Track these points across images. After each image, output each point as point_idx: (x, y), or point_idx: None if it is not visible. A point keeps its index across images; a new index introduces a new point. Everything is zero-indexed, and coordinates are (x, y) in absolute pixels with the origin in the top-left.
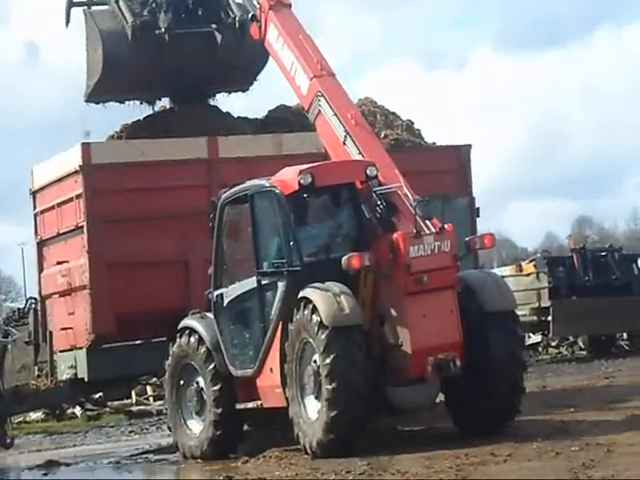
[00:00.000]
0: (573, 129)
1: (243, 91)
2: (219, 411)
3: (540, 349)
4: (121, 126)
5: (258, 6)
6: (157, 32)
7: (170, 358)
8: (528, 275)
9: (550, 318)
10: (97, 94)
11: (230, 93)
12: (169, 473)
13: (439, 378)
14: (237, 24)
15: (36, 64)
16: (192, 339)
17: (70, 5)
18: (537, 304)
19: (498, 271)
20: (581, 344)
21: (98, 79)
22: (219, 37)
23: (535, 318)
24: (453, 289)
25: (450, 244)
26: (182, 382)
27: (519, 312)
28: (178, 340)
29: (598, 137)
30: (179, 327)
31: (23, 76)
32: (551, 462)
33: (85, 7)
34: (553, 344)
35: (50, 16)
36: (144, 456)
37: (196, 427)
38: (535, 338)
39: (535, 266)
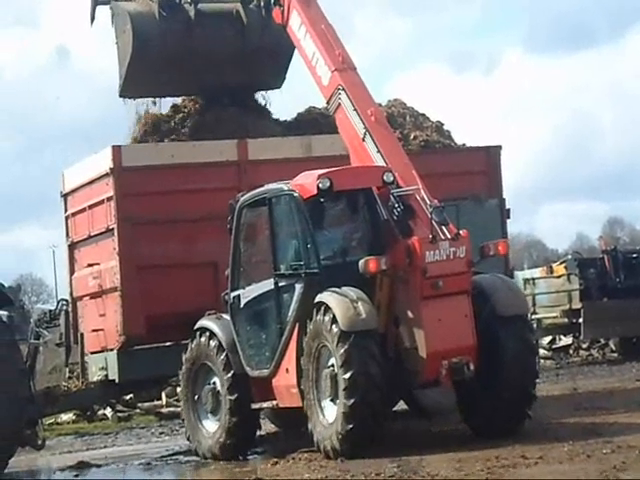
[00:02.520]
0: (604, 130)
1: (278, 87)
2: (234, 418)
3: (571, 351)
4: (145, 124)
5: None
6: (184, 8)
7: (188, 353)
8: (559, 277)
9: (581, 320)
10: (130, 84)
11: (266, 91)
12: (199, 475)
13: (453, 381)
14: (262, 4)
15: (66, 68)
16: (211, 341)
17: (95, 3)
18: (568, 306)
19: (529, 273)
20: (612, 346)
21: (129, 62)
22: (244, 17)
23: (566, 320)
24: (468, 294)
25: (465, 250)
26: (198, 379)
27: (550, 314)
28: (194, 340)
29: (629, 138)
30: (195, 327)
31: (53, 80)
32: (582, 464)
33: (110, 3)
34: (584, 346)
35: (80, 20)
36: (174, 457)
37: (211, 426)
38: (566, 340)
39: (566, 268)
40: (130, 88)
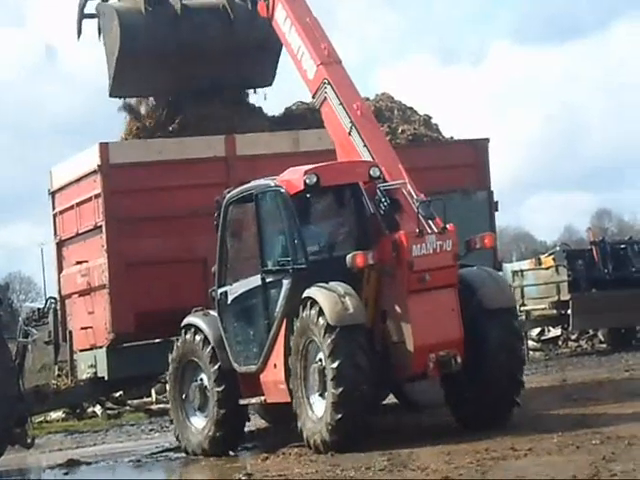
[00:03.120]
0: (592, 122)
1: (269, 84)
2: (222, 410)
3: (560, 342)
4: (134, 123)
5: None
6: (170, 3)
7: (174, 352)
8: (547, 268)
9: (570, 311)
10: (119, 82)
11: (257, 88)
12: (189, 471)
13: (440, 375)
14: None
15: (54, 66)
16: (196, 336)
17: (82, 17)
18: (557, 297)
19: (517, 265)
20: (601, 337)
21: (117, 58)
22: (231, 12)
23: (555, 311)
24: (454, 287)
25: (451, 243)
26: (185, 377)
27: (539, 306)
28: (181, 337)
29: (617, 130)
30: (182, 324)
31: (41, 78)
32: (572, 456)
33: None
34: (573, 337)
35: (67, 19)
36: (164, 454)
37: (199, 423)
38: (555, 331)
39: (554, 259)
40: (119, 87)
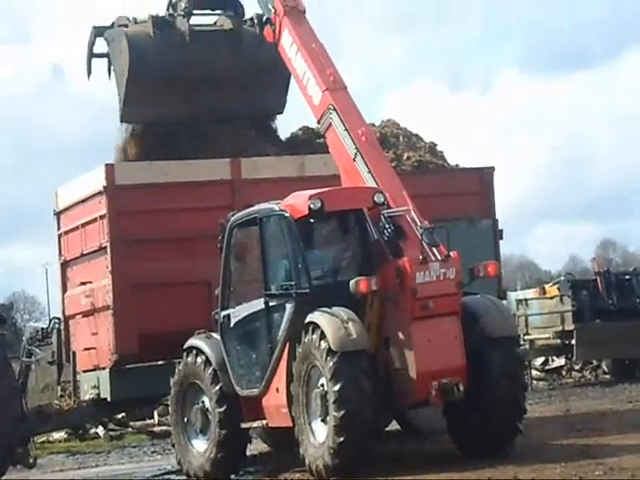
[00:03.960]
0: (598, 152)
1: (280, 112)
2: (224, 430)
3: (564, 372)
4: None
5: (273, 10)
6: (177, 26)
7: (176, 376)
8: (552, 298)
9: (574, 341)
10: (129, 106)
11: (269, 117)
12: None
13: (443, 402)
14: (255, 22)
15: (61, 86)
16: (198, 358)
17: (91, 56)
18: (561, 327)
19: (522, 294)
20: (605, 368)
21: (127, 80)
22: (240, 35)
23: (559, 341)
24: (457, 315)
25: (455, 271)
26: (187, 400)
27: (543, 335)
28: (184, 359)
29: (623, 160)
30: (185, 347)
31: (47, 98)
32: None
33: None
34: (577, 367)
35: (75, 40)
36: (166, 477)
37: (200, 446)
38: (559, 361)
39: (559, 289)
40: (130, 112)
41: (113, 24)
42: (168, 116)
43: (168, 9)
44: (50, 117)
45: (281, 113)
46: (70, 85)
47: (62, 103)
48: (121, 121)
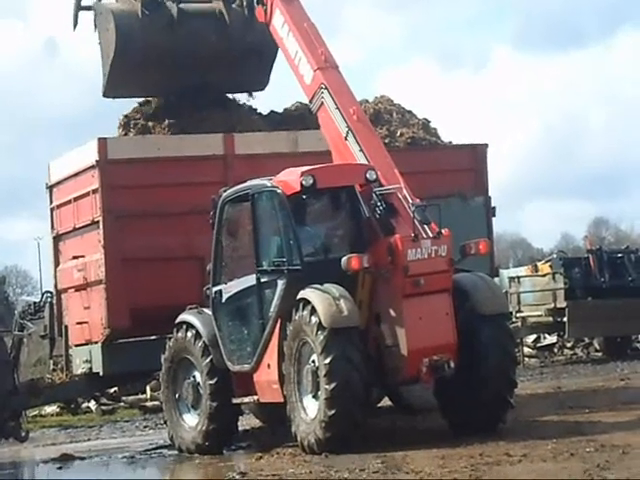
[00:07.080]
0: (591, 130)
1: (261, 89)
2: (215, 405)
3: (555, 350)
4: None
5: None
6: (166, 7)
7: (167, 352)
8: (544, 276)
9: (566, 319)
10: (113, 83)
11: (250, 93)
12: (182, 469)
13: (434, 379)
14: (245, 3)
15: (54, 60)
16: (189, 334)
17: (78, 8)
18: (553, 305)
19: (514, 271)
20: (596, 345)
21: (112, 60)
22: (227, 17)
23: (551, 319)
24: (448, 292)
25: (446, 249)
26: (178, 376)
27: (535, 313)
28: (175, 334)
29: (616, 138)
30: (176, 322)
31: (41, 72)
32: (566, 463)
33: (93, 5)
34: (568, 345)
35: (67, 13)
36: (158, 451)
37: (192, 421)
38: (550, 339)
39: (551, 267)
40: (113, 88)
41: None
42: (151, 92)
43: None
44: (44, 90)
45: (263, 90)
46: (63, 58)
47: (55, 76)
48: (103, 96)
